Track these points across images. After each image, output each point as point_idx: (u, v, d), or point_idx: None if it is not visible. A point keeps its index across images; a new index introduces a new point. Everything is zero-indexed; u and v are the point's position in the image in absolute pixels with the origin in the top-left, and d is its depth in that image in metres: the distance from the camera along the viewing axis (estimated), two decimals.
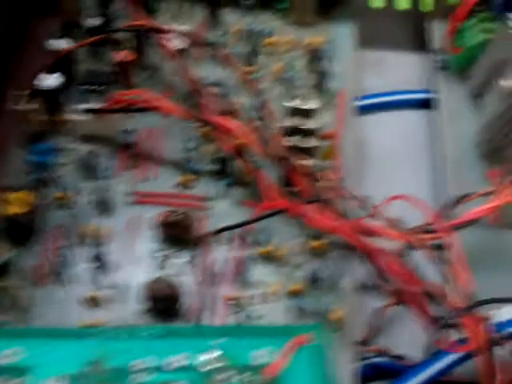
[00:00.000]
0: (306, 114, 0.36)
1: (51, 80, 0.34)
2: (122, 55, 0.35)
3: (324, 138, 0.36)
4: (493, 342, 0.25)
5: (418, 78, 0.42)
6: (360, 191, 0.35)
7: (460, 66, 0.39)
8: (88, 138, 0.35)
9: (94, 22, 0.37)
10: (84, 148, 0.35)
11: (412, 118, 0.41)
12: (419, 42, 0.43)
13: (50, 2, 0.39)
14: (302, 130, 0.35)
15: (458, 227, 0.30)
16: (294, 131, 0.35)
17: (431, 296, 0.27)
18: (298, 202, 0.30)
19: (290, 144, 0.34)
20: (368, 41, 0.43)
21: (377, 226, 0.29)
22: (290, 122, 0.35)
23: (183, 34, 0.38)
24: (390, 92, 0.41)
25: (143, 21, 0.36)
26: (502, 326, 0.28)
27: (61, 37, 0.36)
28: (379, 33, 0.44)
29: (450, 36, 0.39)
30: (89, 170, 0.34)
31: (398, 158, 0.39)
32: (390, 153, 0.39)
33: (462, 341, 0.28)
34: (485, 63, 0.37)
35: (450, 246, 0.28)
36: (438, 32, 0.41)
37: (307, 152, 0.35)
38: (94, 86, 0.36)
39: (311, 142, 0.35)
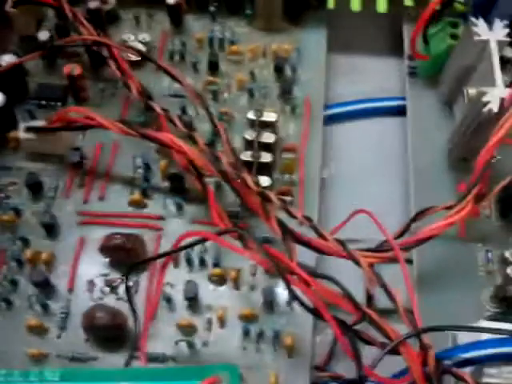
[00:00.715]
0: (265, 126, 0.34)
1: None
2: (70, 68, 0.34)
3: (285, 150, 0.34)
4: (435, 374, 0.23)
5: (394, 84, 0.39)
6: (326, 203, 0.34)
7: (428, 73, 0.37)
8: (35, 156, 0.34)
9: (46, 35, 0.36)
10: (31, 166, 0.34)
11: (387, 126, 0.39)
12: (396, 47, 0.40)
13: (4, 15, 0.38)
14: (260, 143, 0.33)
15: (414, 245, 0.28)
16: (251, 145, 0.33)
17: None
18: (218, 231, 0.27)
19: (246, 159, 0.32)
20: (342, 46, 0.41)
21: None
22: (248, 135, 0.33)
23: (140, 45, 0.37)
24: (362, 100, 0.39)
25: (94, 35, 0.34)
26: (454, 351, 0.26)
27: (15, 52, 0.35)
28: (354, 37, 0.42)
29: (413, 42, 0.36)
30: (35, 189, 0.33)
31: (371, 168, 0.37)
32: (363, 162, 0.37)
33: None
34: (451, 70, 0.35)
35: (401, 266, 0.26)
36: (409, 37, 0.38)
37: (264, 167, 0.33)
38: (47, 100, 0.35)
39: (267, 157, 0.33)
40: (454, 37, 0.35)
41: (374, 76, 0.40)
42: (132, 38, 0.38)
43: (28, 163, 0.34)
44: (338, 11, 0.40)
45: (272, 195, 0.28)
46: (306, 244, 0.28)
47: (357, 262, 0.26)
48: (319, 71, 0.38)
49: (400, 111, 0.38)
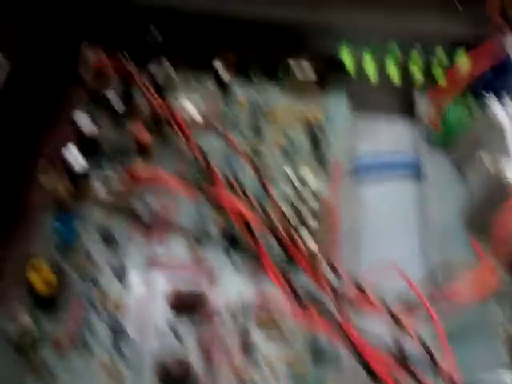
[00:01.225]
0: (303, 182, 0.39)
1: (77, 158, 0.37)
2: (140, 134, 0.39)
3: (321, 209, 0.39)
4: None
5: (409, 145, 0.44)
6: (354, 257, 0.37)
7: (443, 141, 0.42)
8: (107, 207, 0.38)
9: (114, 95, 0.41)
10: (103, 216, 0.38)
11: (404, 184, 0.42)
12: (410, 109, 0.45)
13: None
14: (299, 198, 0.38)
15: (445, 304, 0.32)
16: (290, 201, 0.38)
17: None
18: None
19: (288, 215, 0.37)
20: (360, 107, 0.45)
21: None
22: (288, 191, 0.38)
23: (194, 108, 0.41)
24: (379, 159, 0.43)
25: (157, 99, 0.39)
26: None
27: (87, 110, 0.40)
28: (371, 100, 0.46)
29: (432, 113, 0.41)
30: (107, 238, 0.37)
31: (390, 223, 0.40)
32: (382, 217, 0.41)
33: None
34: (466, 141, 0.40)
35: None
36: (424, 104, 0.44)
37: (302, 222, 0.37)
38: (114, 155, 0.40)
39: (313, 223, 0.37)
40: (468, 110, 0.40)
41: (392, 135, 0.45)
42: (186, 100, 0.43)
43: (101, 214, 0.38)
44: (360, 81, 0.45)
45: (321, 257, 0.33)
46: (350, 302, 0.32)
47: (397, 321, 0.31)
48: (345, 133, 0.43)
49: (416, 170, 0.42)
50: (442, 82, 0.42)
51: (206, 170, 0.38)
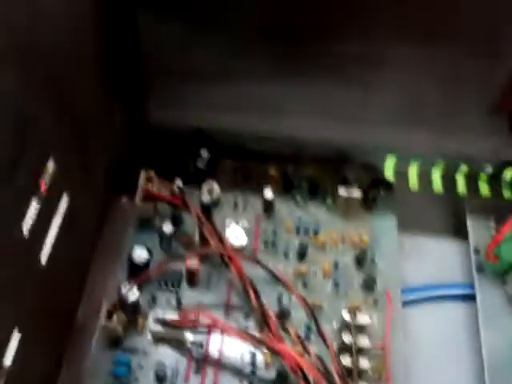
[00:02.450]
0: (360, 329, 0.38)
1: (135, 295, 0.37)
2: (190, 262, 0.39)
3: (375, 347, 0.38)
4: None
5: (459, 267, 0.43)
6: None
7: (496, 273, 0.41)
8: (160, 342, 0.38)
9: (169, 228, 0.41)
10: (155, 351, 0.38)
11: (455, 311, 0.41)
12: (458, 227, 0.45)
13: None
14: (356, 347, 0.37)
15: None
16: (346, 348, 0.37)
17: None
18: None
19: (347, 365, 0.36)
20: (406, 226, 0.45)
21: None
22: (346, 339, 0.37)
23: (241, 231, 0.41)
24: (430, 286, 0.42)
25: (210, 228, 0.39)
26: None
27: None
28: (417, 218, 0.45)
29: (487, 243, 0.41)
30: (160, 374, 0.37)
31: (442, 352, 0.40)
32: (433, 346, 0.40)
33: None
34: None
35: None
36: (474, 229, 0.43)
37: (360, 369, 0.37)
38: (166, 284, 0.39)
39: (365, 363, 0.36)
40: None
41: (438, 257, 0.44)
42: (233, 224, 0.43)
43: (152, 346, 0.38)
44: (403, 195, 0.45)
45: None
46: None
47: None
48: (394, 259, 0.42)
49: (468, 297, 0.41)
50: (487, 195, 0.43)
51: (257, 309, 0.37)
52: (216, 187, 0.44)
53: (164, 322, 0.38)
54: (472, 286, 0.42)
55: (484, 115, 0.41)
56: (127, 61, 0.41)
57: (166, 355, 0.38)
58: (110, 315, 0.37)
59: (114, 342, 0.38)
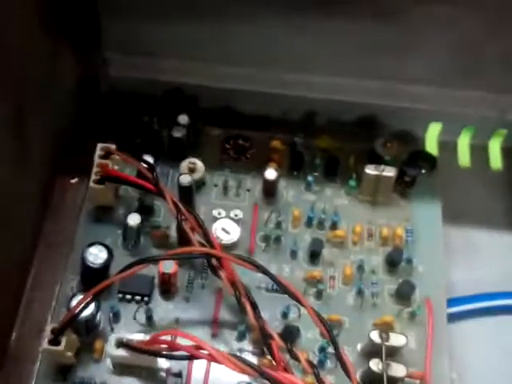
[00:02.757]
0: (392, 353, 0.35)
1: (89, 309, 0.35)
2: (164, 267, 0.36)
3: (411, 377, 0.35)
4: None
5: None
6: None
7: None
8: (125, 371, 0.36)
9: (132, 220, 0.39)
10: (116, 381, 0.36)
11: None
12: None
13: None
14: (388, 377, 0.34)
15: None
16: (375, 379, 0.35)
17: None
18: None
19: None
20: (454, 217, 0.43)
21: None
22: (375, 366, 0.35)
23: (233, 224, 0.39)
24: (484, 295, 0.40)
25: (192, 221, 0.37)
26: None
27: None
28: (469, 206, 0.44)
29: None
30: None
31: (497, 373, 0.39)
32: (487, 367, 0.39)
33: None
34: None
35: None
36: None
37: None
38: (132, 295, 0.38)
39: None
40: None
41: (495, 257, 0.42)
42: (223, 213, 0.40)
43: (113, 376, 0.36)
44: (449, 174, 0.44)
45: None
46: None
47: None
48: (438, 259, 0.40)
49: None
50: None
51: (255, 327, 0.34)
52: (199, 165, 0.41)
53: (129, 345, 0.34)
54: None
55: None
56: None
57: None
58: (56, 337, 0.33)
59: (62, 371, 0.36)
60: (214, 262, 0.36)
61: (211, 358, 0.33)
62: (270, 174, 0.40)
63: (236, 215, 0.40)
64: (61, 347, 0.34)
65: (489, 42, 0.39)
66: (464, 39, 0.39)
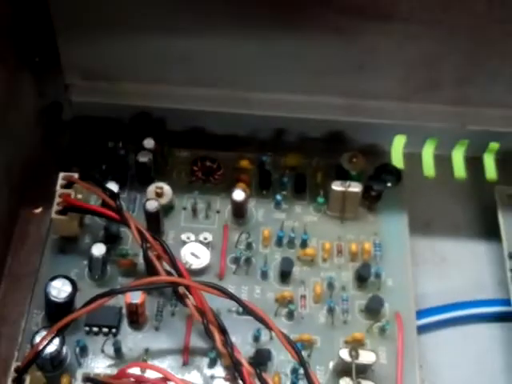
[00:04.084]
0: (363, 370, 0.33)
1: (54, 345, 0.32)
2: (131, 297, 0.33)
3: None
4: None
5: (489, 277, 0.39)
6: None
7: None
8: None
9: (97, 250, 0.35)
10: None
11: (487, 335, 0.38)
12: (487, 225, 0.41)
13: None
14: None
15: None
16: None
17: None
18: None
19: None
20: (421, 229, 0.41)
21: None
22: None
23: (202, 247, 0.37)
24: (454, 305, 0.38)
25: (158, 248, 0.34)
26: None
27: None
28: (435, 216, 0.42)
29: None
30: None
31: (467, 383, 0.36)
32: (457, 377, 0.36)
33: None
34: None
35: None
36: (508, 227, 0.39)
37: None
38: (99, 327, 0.34)
39: None
40: None
41: (462, 266, 0.40)
42: (192, 237, 0.37)
43: None
44: (415, 185, 0.41)
45: None
46: None
47: None
48: (406, 272, 0.38)
49: (503, 316, 0.37)
50: None
51: (225, 354, 0.32)
52: (167, 189, 0.38)
53: (96, 381, 0.32)
54: (508, 302, 0.37)
55: None
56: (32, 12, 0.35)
57: None
58: (19, 375, 0.30)
59: None
60: (182, 289, 0.33)
61: None
62: (238, 195, 0.37)
63: (205, 238, 0.37)
64: None
65: (445, 57, 0.37)
66: (421, 55, 0.37)
